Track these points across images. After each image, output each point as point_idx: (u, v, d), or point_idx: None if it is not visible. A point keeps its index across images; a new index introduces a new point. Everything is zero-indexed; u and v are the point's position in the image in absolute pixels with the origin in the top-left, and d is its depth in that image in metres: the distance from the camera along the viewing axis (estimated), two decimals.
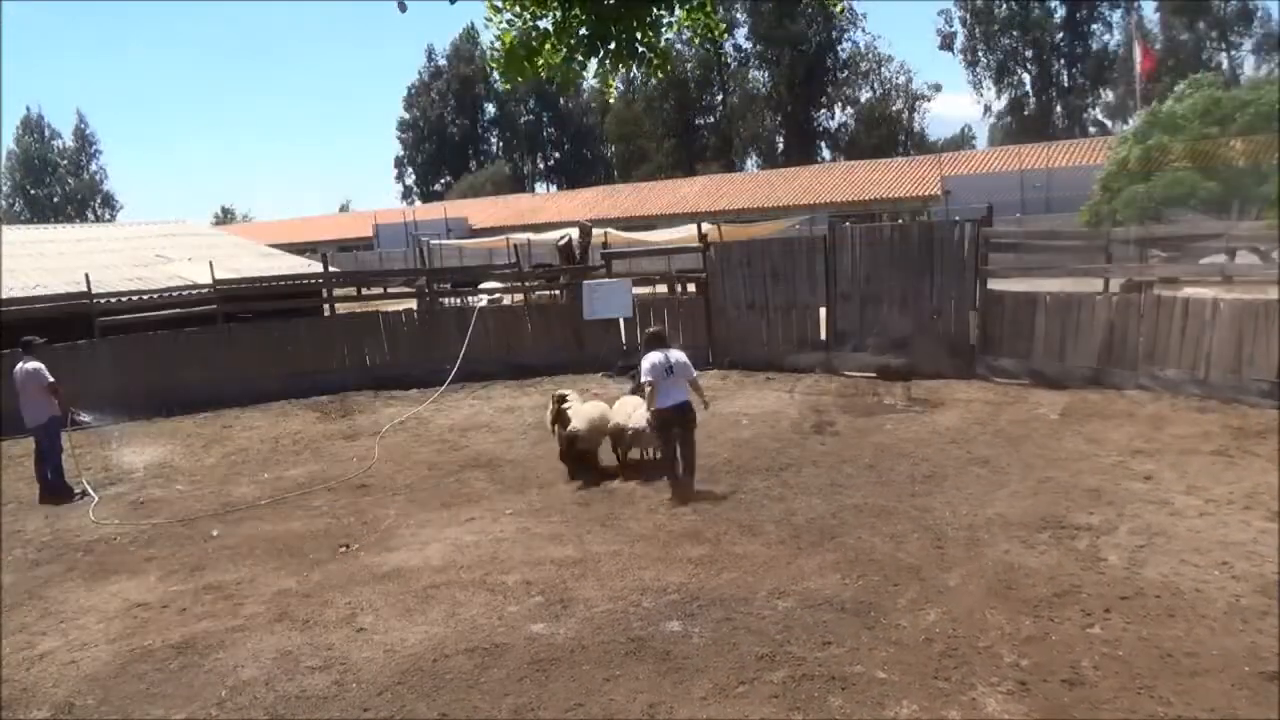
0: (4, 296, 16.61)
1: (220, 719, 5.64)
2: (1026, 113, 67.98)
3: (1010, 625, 6.15)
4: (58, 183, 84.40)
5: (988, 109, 71.52)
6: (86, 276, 16.26)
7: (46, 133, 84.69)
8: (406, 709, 5.57)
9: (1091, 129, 63.11)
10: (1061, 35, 66.27)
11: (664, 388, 9.26)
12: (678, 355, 9.44)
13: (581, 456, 10.48)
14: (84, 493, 11.12)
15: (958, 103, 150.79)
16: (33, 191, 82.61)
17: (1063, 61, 67.20)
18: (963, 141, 74.28)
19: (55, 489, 11.15)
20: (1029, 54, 67.28)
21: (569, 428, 10.42)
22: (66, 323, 15.46)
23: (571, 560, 7.80)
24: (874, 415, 12.40)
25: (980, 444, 10.63)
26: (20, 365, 11.26)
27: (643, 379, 9.44)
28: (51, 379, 11.18)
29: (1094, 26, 65.24)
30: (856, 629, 6.17)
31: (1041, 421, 11.42)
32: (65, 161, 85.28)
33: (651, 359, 9.36)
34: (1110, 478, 9.06)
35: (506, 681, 5.80)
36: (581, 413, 10.60)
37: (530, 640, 6.34)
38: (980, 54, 68.38)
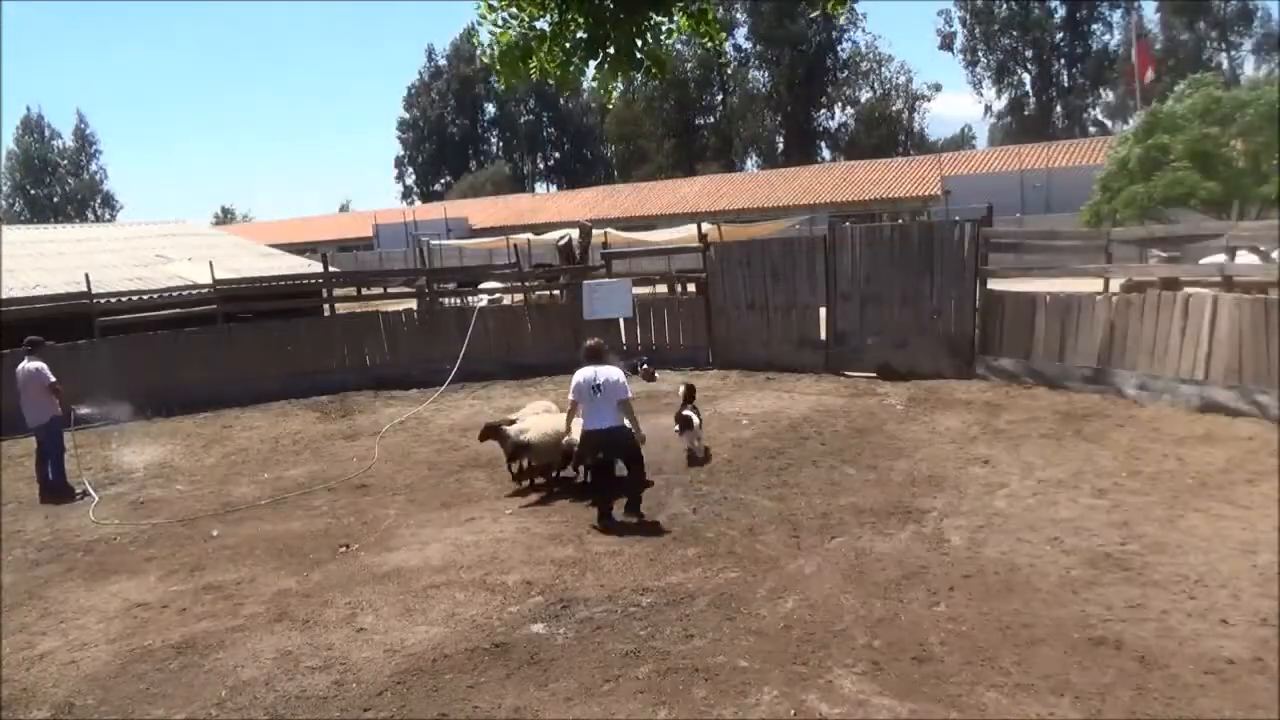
0: (4, 296, 16.62)
1: (220, 719, 5.64)
2: (1026, 113, 68.06)
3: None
4: (58, 183, 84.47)
5: (988, 109, 71.80)
6: (86, 276, 16.27)
7: (46, 133, 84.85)
8: (407, 709, 5.58)
9: (1091, 129, 63.23)
10: (1062, 35, 66.34)
11: (590, 409, 8.54)
12: (609, 373, 8.53)
13: (535, 471, 9.96)
14: (84, 492, 11.12)
15: (958, 103, 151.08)
16: (33, 191, 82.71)
17: (1063, 61, 67.27)
18: (963, 141, 74.44)
19: (56, 489, 11.16)
20: (1029, 54, 67.35)
21: (520, 437, 9.68)
22: (67, 323, 15.47)
23: (571, 560, 7.81)
24: (874, 415, 12.40)
25: (980, 444, 10.65)
26: (23, 365, 11.27)
27: (569, 396, 8.78)
28: (53, 379, 11.18)
29: (1094, 26, 65.41)
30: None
31: (1039, 422, 11.41)
32: (65, 162, 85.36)
33: (579, 376, 8.60)
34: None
35: (507, 681, 5.81)
36: (540, 424, 9.94)
37: (531, 640, 6.35)
38: (980, 54, 68.49)
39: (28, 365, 11.22)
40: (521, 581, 7.40)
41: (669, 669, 5.79)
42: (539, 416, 10.38)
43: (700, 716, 5.26)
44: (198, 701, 5.85)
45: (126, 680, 6.24)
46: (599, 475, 8.88)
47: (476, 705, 5.55)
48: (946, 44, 69.57)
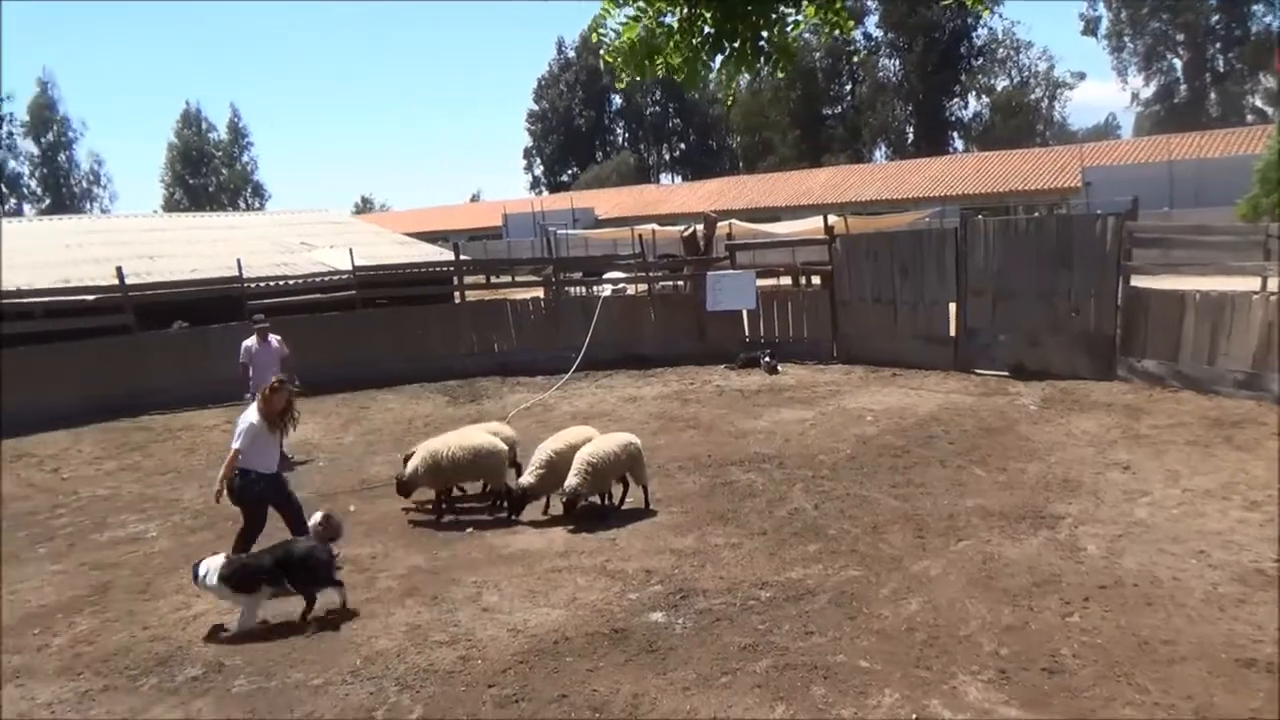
0: (167, 280, 17.73)
1: (354, 686, 5.92)
2: (1176, 100, 64.24)
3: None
4: (213, 173, 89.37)
5: (1134, 96, 67.92)
6: (238, 262, 17.20)
7: (204, 126, 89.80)
8: (529, 688, 5.72)
9: (1250, 117, 59.13)
10: (1217, 18, 62.26)
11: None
12: (244, 413, 7.88)
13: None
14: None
15: (1102, 90, 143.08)
16: (191, 181, 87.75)
17: (1218, 45, 63.13)
18: (1106, 131, 70.88)
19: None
20: (1180, 38, 63.48)
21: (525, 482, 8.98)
22: (219, 305, 16.46)
23: (691, 550, 7.85)
24: (1005, 415, 12.00)
25: (1120, 449, 10.17)
26: None
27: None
28: (241, 360, 12.03)
29: (1254, 7, 61.07)
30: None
31: (1185, 428, 10.81)
32: (220, 153, 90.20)
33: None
34: None
35: (625, 667, 5.89)
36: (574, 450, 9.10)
37: (650, 628, 6.42)
38: (1126, 39, 64.97)
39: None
40: (641, 570, 7.49)
41: (787, 665, 5.76)
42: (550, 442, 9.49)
43: (818, 715, 5.22)
44: (334, 668, 6.16)
45: (270, 644, 6.60)
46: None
47: (595, 689, 5.66)
48: (1090, 29, 66.37)
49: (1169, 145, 38.09)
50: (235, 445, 7.67)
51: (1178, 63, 64.78)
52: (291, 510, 7.92)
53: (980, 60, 70.19)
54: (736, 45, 5.44)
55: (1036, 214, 33.50)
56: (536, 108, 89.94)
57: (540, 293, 19.50)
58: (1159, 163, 36.10)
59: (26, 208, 79.17)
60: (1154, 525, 7.81)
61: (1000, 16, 68.15)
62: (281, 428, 7.91)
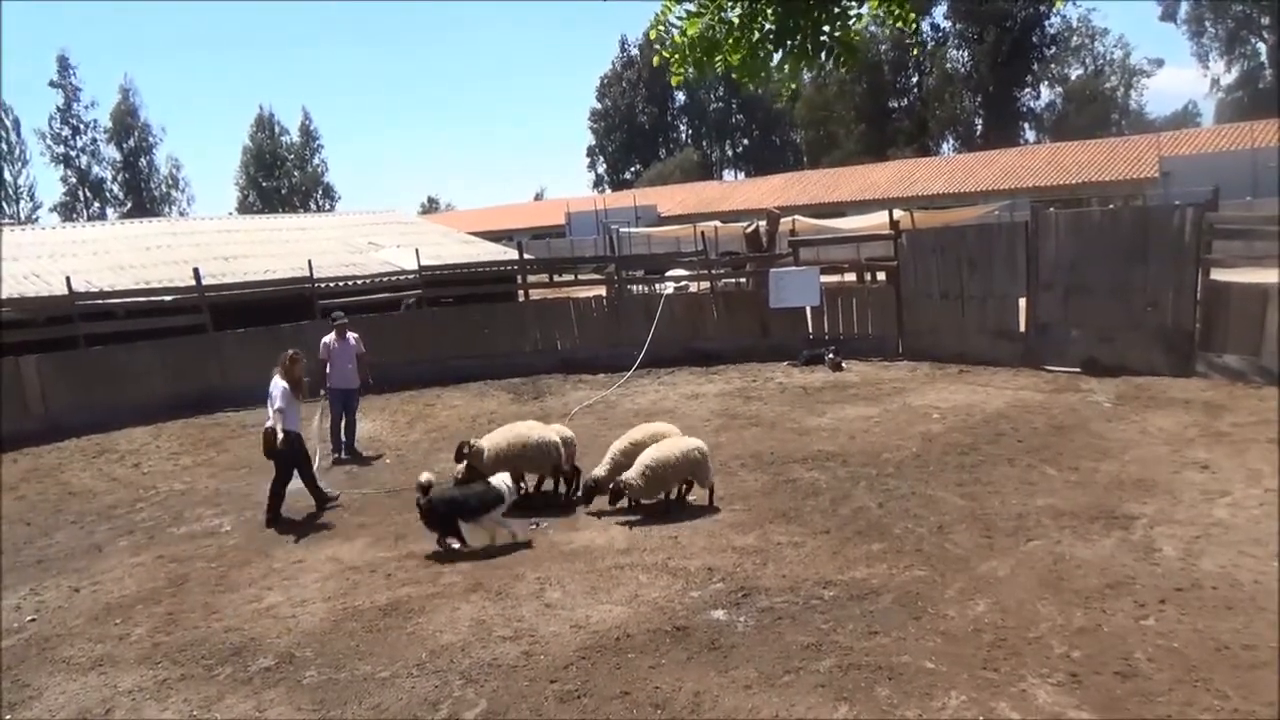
0: (241, 280, 18.22)
1: (419, 679, 6.01)
2: (1261, 85, 61.77)
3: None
4: (285, 176, 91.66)
5: (1215, 83, 65.45)
6: (309, 263, 17.57)
7: (276, 129, 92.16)
8: (591, 684, 5.76)
9: None
10: None
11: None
12: (273, 382, 9.90)
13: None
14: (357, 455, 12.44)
15: (1181, 77, 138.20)
16: (264, 184, 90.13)
17: None
18: (1185, 119, 68.52)
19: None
20: (1265, 21, 61.05)
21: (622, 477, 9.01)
22: (291, 304, 16.85)
23: (753, 549, 7.81)
24: (1077, 412, 11.70)
25: (1199, 447, 9.85)
26: None
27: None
28: (320, 356, 12.46)
29: None
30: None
31: (1268, 425, 10.42)
32: (292, 156, 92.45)
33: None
34: None
35: (688, 665, 5.89)
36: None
37: (711, 626, 6.41)
38: (1207, 23, 62.71)
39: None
40: (703, 567, 7.48)
41: (851, 665, 5.71)
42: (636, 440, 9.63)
43: (883, 716, 5.16)
44: (400, 661, 6.27)
45: (339, 637, 6.76)
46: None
47: (657, 686, 5.67)
48: (1169, 14, 64.26)
49: (1252, 132, 36.76)
50: (280, 405, 9.63)
51: (1262, 46, 62.41)
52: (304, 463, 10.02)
53: (1053, 49, 68.59)
54: (797, 41, 5.38)
55: (1111, 205, 32.62)
56: (599, 106, 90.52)
57: (603, 291, 19.59)
58: (1241, 150, 34.90)
59: (109, 211, 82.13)
60: (1234, 526, 7.54)
61: (1074, 4, 66.45)
62: (300, 391, 10.11)
